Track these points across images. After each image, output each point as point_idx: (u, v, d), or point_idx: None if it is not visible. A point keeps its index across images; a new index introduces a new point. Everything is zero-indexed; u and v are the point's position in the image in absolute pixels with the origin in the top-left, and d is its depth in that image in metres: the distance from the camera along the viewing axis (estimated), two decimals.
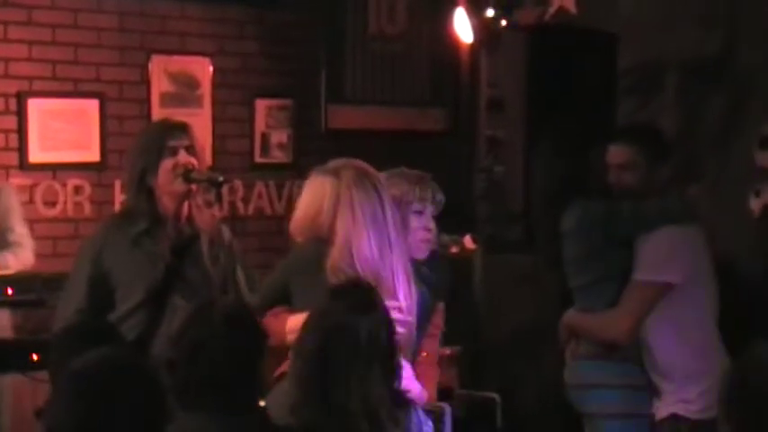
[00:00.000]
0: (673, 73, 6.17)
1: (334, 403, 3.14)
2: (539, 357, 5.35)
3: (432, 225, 4.09)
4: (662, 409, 4.58)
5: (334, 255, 3.73)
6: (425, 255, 4.07)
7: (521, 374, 5.76)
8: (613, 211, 4.69)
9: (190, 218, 4.39)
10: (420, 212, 4.05)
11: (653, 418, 4.62)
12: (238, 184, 6.85)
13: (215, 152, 6.73)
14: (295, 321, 3.67)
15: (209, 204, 4.39)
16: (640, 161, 4.68)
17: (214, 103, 6.81)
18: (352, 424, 3.15)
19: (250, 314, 3.32)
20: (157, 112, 6.53)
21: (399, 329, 3.60)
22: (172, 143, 4.35)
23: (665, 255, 4.56)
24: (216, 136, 6.80)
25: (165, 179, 4.31)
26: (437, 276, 4.11)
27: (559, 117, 6.45)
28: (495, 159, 7.01)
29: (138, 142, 4.56)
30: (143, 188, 4.33)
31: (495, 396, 5.79)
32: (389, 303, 3.60)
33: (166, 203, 4.36)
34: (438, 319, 4.26)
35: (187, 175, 4.31)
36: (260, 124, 7.01)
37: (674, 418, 4.57)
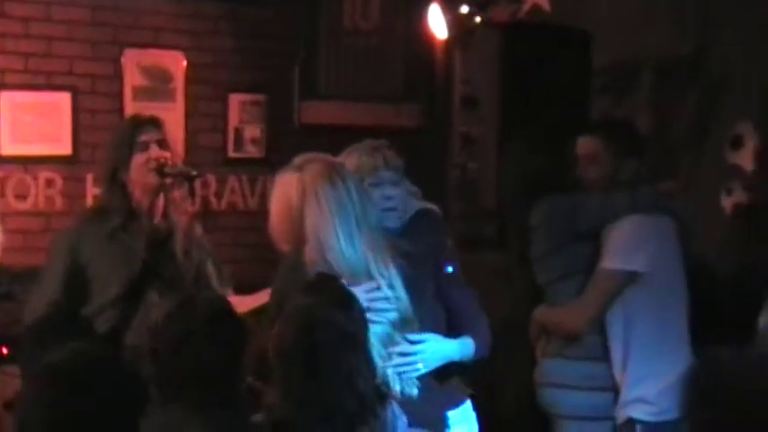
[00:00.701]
0: (647, 72, 6.21)
1: (321, 398, 3.15)
2: (513, 355, 5.36)
3: (392, 192, 3.99)
4: (620, 411, 4.55)
5: (308, 249, 3.71)
6: (396, 223, 3.99)
7: (496, 372, 5.76)
8: (580, 204, 4.67)
9: (165, 213, 4.43)
10: (376, 184, 3.97)
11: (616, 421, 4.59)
12: (211, 178, 6.83)
13: (188, 147, 6.57)
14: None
15: (182, 199, 4.41)
16: (606, 154, 4.65)
17: (187, 97, 6.76)
18: (340, 418, 3.16)
19: (232, 310, 3.32)
20: (130, 106, 6.49)
21: (389, 314, 3.64)
22: (144, 138, 4.39)
23: (630, 243, 4.51)
24: (189, 130, 6.75)
25: (138, 173, 4.36)
26: (425, 239, 4.00)
27: (533, 114, 6.48)
28: (468, 156, 7.01)
29: (110, 139, 4.57)
30: (116, 183, 4.37)
31: (470, 393, 5.78)
32: (368, 287, 3.63)
33: (140, 198, 4.39)
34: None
35: (160, 169, 4.33)
36: (233, 119, 6.96)
37: (630, 422, 4.54)
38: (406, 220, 4.06)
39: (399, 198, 4.02)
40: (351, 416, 3.19)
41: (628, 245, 4.51)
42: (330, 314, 3.22)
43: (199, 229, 4.56)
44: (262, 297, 4.10)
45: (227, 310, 3.31)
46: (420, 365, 3.84)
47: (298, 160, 3.83)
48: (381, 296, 3.56)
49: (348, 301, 3.32)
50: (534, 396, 4.82)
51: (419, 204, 4.12)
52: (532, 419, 5.09)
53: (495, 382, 5.73)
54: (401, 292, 3.70)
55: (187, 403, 3.07)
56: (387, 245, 3.76)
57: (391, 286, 3.69)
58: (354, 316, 3.27)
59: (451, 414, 4.12)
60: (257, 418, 3.29)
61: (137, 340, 4.05)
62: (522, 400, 5.20)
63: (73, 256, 4.35)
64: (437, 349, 3.91)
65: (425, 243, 3.96)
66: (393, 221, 4.00)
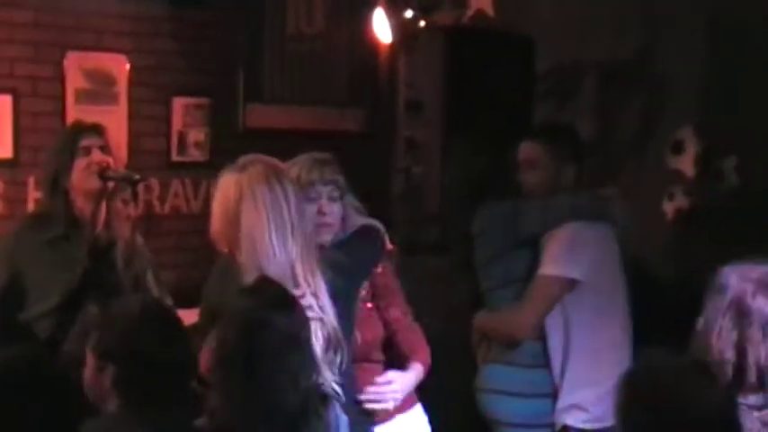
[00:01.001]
0: (590, 76, 6.23)
1: (262, 401, 3.13)
2: (455, 361, 5.37)
3: (327, 208, 3.97)
4: (557, 418, 4.55)
5: (242, 252, 3.68)
6: (327, 239, 3.97)
7: (436, 377, 5.76)
8: (520, 210, 4.65)
9: (107, 222, 4.41)
10: (312, 198, 3.96)
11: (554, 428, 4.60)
12: (154, 182, 6.77)
13: (131, 150, 6.53)
14: None
15: (124, 207, 4.39)
16: (546, 159, 4.65)
17: (130, 100, 6.65)
18: (281, 420, 3.15)
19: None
20: (72, 109, 6.39)
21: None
22: (85, 143, 4.37)
23: (570, 250, 4.50)
24: (132, 134, 6.65)
25: (80, 178, 4.34)
26: (361, 254, 4.00)
27: (477, 119, 6.50)
28: (412, 160, 7.02)
29: (52, 145, 4.54)
30: (57, 190, 4.35)
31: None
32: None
33: (82, 205, 4.36)
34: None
35: (102, 172, 4.30)
36: (177, 123, 6.88)
37: (565, 430, 4.53)
38: (346, 235, 4.04)
39: (335, 214, 4.00)
40: (293, 417, 3.17)
41: (567, 252, 4.50)
42: (271, 316, 3.19)
43: (140, 239, 4.54)
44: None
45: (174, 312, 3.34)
46: (390, 403, 4.09)
47: (241, 161, 3.78)
48: (305, 305, 3.55)
49: (288, 303, 3.30)
50: (473, 402, 4.81)
51: (362, 220, 4.10)
52: (477, 426, 5.11)
53: (439, 387, 5.74)
54: (326, 302, 3.67)
55: (142, 406, 3.06)
56: (317, 255, 3.74)
57: (315, 295, 3.66)
58: (295, 316, 3.26)
59: (402, 417, 4.24)
60: (200, 422, 3.26)
61: (74, 348, 4.05)
62: (466, 407, 5.20)
63: (9, 263, 4.31)
64: (405, 385, 4.18)
65: (360, 257, 3.95)
66: (326, 236, 3.98)
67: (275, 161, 3.85)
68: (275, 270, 3.58)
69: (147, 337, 3.13)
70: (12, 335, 4.02)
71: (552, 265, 4.51)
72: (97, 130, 4.45)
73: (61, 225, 4.31)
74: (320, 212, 3.97)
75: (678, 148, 5.69)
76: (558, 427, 4.55)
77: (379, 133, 7.56)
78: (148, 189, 6.64)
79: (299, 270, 3.64)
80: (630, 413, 2.73)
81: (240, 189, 3.67)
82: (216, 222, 3.76)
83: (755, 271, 3.19)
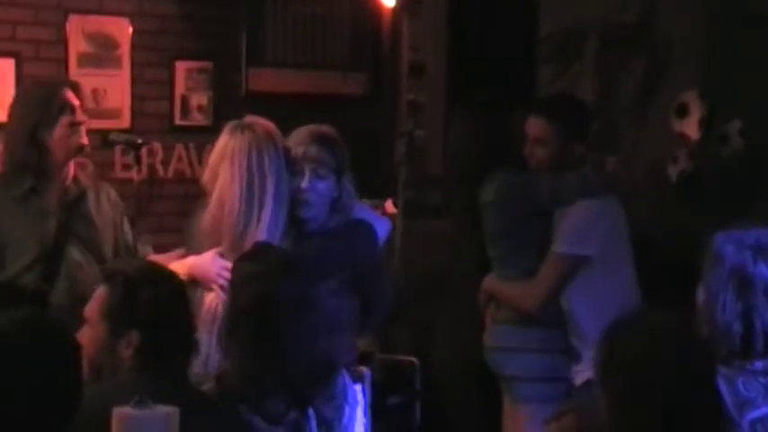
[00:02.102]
0: (592, 40, 6.20)
1: (274, 367, 3.17)
2: (456, 322, 5.38)
3: (308, 185, 3.97)
4: (580, 375, 4.58)
5: (210, 203, 3.86)
6: (308, 215, 3.99)
7: (439, 338, 5.79)
8: (532, 185, 4.74)
9: (75, 177, 4.41)
10: (296, 173, 3.97)
11: (572, 382, 4.64)
12: (157, 146, 6.75)
13: (134, 114, 6.66)
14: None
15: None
16: (554, 137, 4.70)
17: (133, 64, 6.68)
18: (290, 386, 3.19)
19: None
20: (75, 73, 6.36)
21: None
22: (70, 101, 4.35)
23: (582, 228, 4.61)
24: (135, 97, 6.69)
25: (62, 135, 4.30)
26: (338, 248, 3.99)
27: (480, 81, 6.48)
28: (415, 124, 7.02)
29: (27, 97, 4.51)
30: (34, 143, 4.29)
31: (414, 360, 5.82)
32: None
33: (59, 160, 4.34)
34: None
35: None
36: (179, 86, 6.90)
37: (591, 383, 4.61)
38: (341, 221, 4.06)
39: (317, 192, 3.99)
40: (302, 383, 3.22)
41: (579, 230, 4.61)
42: (280, 280, 3.23)
43: (112, 191, 4.55)
44: (173, 257, 4.19)
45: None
46: None
47: (244, 120, 3.96)
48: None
49: (294, 266, 3.33)
50: (477, 360, 4.88)
51: (358, 213, 4.16)
52: (475, 383, 5.14)
53: (437, 346, 5.76)
54: None
55: (158, 371, 3.03)
56: (285, 228, 3.85)
57: None
58: (303, 278, 3.28)
59: None
60: (207, 387, 3.29)
61: (64, 300, 4.17)
62: (464, 365, 5.23)
63: None
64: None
65: (333, 257, 3.87)
66: (305, 212, 3.99)
67: (271, 129, 3.98)
68: (230, 232, 3.78)
69: (170, 302, 3.09)
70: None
71: (565, 243, 4.62)
72: (77, 87, 4.45)
73: (32, 177, 4.29)
74: (300, 189, 3.98)
75: (682, 112, 5.67)
76: (582, 380, 4.56)
77: (383, 97, 7.57)
78: (151, 153, 6.56)
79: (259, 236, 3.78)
80: (607, 371, 2.73)
81: (226, 150, 3.87)
82: (206, 172, 4.00)
83: (750, 236, 3.16)
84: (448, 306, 5.56)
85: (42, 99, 4.35)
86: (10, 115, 4.44)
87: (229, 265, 3.70)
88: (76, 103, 4.36)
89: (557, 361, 4.70)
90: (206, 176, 4.00)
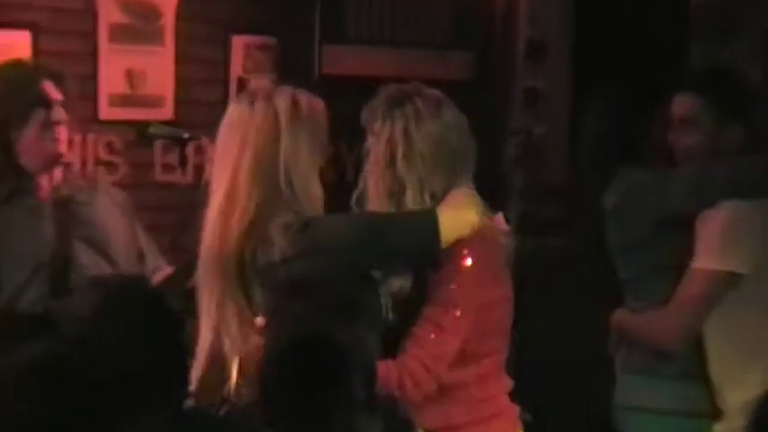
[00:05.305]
0: (757, 10, 6.20)
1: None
2: (583, 371, 5.31)
3: None
4: None
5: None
6: None
7: (561, 391, 5.76)
8: (665, 183, 4.54)
9: (65, 179, 4.43)
10: None
11: None
12: (207, 142, 6.71)
13: (178, 102, 6.59)
14: None
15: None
16: (707, 117, 4.52)
17: (178, 39, 6.63)
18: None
19: None
20: (106, 49, 6.39)
21: None
22: (47, 93, 4.25)
23: (730, 237, 4.37)
24: (180, 81, 6.62)
25: (33, 136, 4.27)
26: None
27: (615, 65, 6.39)
28: (533, 118, 7.01)
29: None
30: (3, 143, 4.28)
31: (527, 417, 5.82)
32: None
33: (32, 165, 4.31)
34: None
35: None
36: (236, 67, 6.90)
37: None
38: None
39: None
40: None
41: (728, 240, 4.37)
42: (329, 329, 3.26)
43: (119, 192, 4.59)
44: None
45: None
46: None
47: (272, 92, 3.81)
48: None
49: (352, 307, 3.36)
50: (608, 418, 4.75)
51: None
52: None
53: (558, 401, 5.73)
54: None
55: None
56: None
57: None
58: (358, 325, 3.29)
59: None
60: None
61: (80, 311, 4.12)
62: (592, 423, 5.13)
63: None
64: None
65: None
66: None
67: (297, 105, 3.75)
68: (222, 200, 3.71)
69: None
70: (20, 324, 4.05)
71: (708, 256, 4.37)
72: (60, 78, 4.33)
73: (8, 182, 4.30)
74: None
75: None
76: None
77: (491, 83, 7.59)
78: (200, 150, 6.45)
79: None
80: None
81: (231, 112, 3.75)
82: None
83: None
84: (569, 349, 5.50)
85: (13, 87, 4.32)
86: None
87: None
88: (56, 97, 4.24)
89: (692, 426, 4.52)
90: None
